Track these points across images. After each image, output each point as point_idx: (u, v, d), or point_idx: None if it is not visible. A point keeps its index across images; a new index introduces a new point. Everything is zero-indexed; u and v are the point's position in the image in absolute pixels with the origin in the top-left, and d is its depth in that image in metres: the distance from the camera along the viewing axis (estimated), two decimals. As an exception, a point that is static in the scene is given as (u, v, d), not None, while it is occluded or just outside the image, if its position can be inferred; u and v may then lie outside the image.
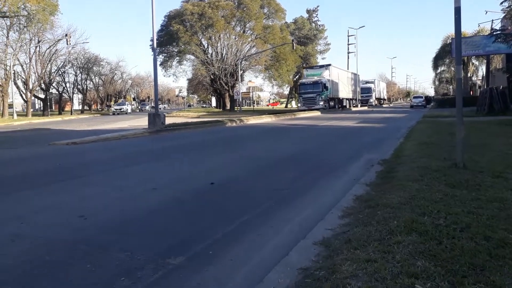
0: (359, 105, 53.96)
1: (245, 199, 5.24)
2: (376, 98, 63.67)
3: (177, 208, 4.88)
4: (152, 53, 17.37)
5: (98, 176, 7.33)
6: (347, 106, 49.62)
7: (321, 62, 61.73)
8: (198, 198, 5.35)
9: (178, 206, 4.99)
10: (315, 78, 42.49)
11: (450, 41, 36.76)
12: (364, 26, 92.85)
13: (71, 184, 6.55)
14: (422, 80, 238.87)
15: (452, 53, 32.26)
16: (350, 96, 51.65)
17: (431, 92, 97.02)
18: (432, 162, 6.42)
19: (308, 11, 76.67)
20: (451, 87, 70.10)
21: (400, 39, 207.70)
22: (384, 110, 42.11)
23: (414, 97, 56.94)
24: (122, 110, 54.28)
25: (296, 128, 19.16)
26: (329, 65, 45.31)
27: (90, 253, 3.38)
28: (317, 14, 76.88)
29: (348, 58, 55.81)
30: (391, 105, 78.51)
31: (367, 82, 59.23)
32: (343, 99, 48.22)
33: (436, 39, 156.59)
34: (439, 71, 61.18)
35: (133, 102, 73.63)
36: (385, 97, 76.75)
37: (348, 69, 55.56)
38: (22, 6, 34.37)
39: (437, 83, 73.47)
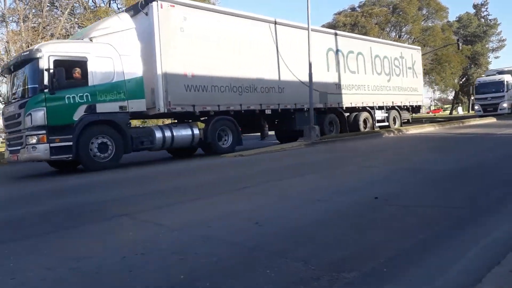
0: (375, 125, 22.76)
1: (415, 216, 4.89)
2: None
3: (342, 221, 4.87)
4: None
5: (264, 185, 7.90)
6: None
7: (493, 61, 52.52)
8: (359, 213, 5.22)
9: (343, 218, 4.98)
10: None
11: None
12: (551, 13, 76.68)
13: (243, 193, 7.23)
14: None
15: None
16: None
17: None
18: None
19: (475, 6, 68.45)
20: None
21: None
22: None
23: None
24: None
25: (466, 138, 17.05)
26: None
27: (268, 258, 3.64)
28: (486, 8, 68.04)
29: (531, 53, 46.92)
30: None
31: (498, 73, 33.88)
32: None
33: None
34: None
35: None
36: None
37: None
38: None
39: None
